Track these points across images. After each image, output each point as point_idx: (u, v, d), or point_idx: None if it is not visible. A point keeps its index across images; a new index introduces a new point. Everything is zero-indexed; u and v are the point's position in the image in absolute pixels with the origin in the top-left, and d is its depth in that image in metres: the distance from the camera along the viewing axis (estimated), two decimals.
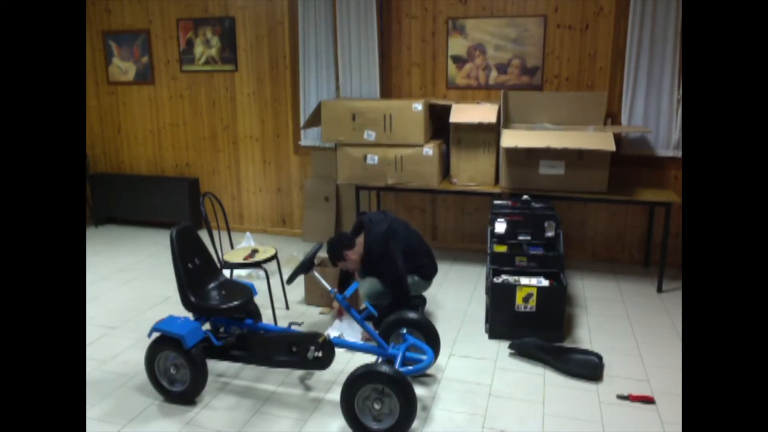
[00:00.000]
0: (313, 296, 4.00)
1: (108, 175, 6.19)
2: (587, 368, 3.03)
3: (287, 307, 3.99)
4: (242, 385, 3.04)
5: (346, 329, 3.46)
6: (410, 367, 2.76)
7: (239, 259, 3.74)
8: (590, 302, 4.05)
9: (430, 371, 3.11)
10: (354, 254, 3.38)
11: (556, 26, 4.61)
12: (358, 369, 2.53)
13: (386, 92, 5.12)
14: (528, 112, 4.51)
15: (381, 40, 4.98)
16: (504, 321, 3.44)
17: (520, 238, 3.77)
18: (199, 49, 5.56)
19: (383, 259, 3.36)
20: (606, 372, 3.12)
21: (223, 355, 2.96)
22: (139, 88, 5.92)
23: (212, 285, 3.12)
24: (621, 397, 2.87)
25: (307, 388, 3.00)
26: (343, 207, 5.43)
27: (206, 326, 3.19)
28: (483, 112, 4.32)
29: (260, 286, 4.15)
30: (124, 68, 5.90)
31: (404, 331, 3.03)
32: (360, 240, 3.42)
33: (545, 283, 3.44)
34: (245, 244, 4.46)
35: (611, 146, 3.86)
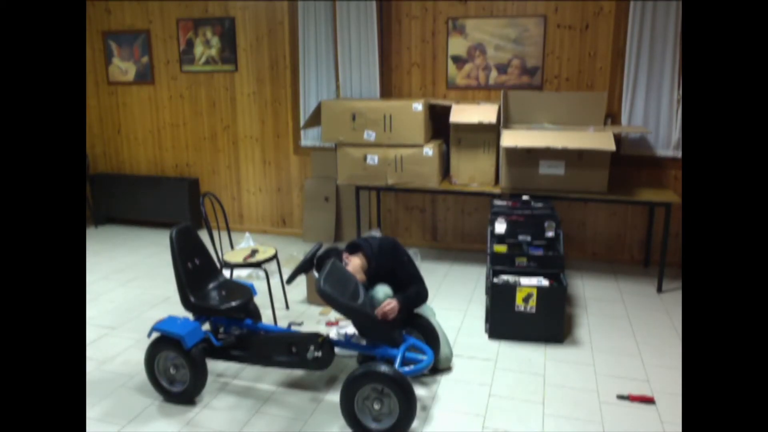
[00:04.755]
0: (316, 294, 3.99)
1: (108, 175, 6.19)
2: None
3: (287, 307, 3.99)
4: (242, 385, 3.04)
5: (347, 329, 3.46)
6: (410, 368, 2.75)
7: (239, 260, 3.74)
8: (590, 302, 4.05)
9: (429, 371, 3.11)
10: (357, 259, 3.01)
11: (556, 26, 4.61)
12: (357, 369, 2.53)
13: (386, 92, 5.12)
14: (528, 112, 4.51)
15: (381, 40, 4.98)
16: (504, 321, 3.44)
17: (520, 238, 3.77)
18: (199, 49, 5.56)
19: (400, 265, 3.02)
20: (606, 372, 3.12)
21: (223, 355, 2.96)
22: (139, 88, 5.92)
23: (212, 285, 3.12)
24: (621, 397, 2.87)
25: (307, 388, 3.00)
26: (343, 207, 5.43)
27: (206, 326, 3.19)
28: (483, 112, 4.32)
29: (260, 286, 4.15)
30: (124, 68, 5.90)
31: (404, 331, 3.02)
32: (359, 254, 3.05)
33: (545, 283, 3.44)
34: (245, 244, 4.46)
35: (611, 146, 3.86)
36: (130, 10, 5.72)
